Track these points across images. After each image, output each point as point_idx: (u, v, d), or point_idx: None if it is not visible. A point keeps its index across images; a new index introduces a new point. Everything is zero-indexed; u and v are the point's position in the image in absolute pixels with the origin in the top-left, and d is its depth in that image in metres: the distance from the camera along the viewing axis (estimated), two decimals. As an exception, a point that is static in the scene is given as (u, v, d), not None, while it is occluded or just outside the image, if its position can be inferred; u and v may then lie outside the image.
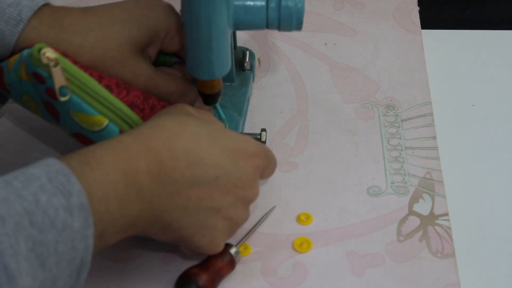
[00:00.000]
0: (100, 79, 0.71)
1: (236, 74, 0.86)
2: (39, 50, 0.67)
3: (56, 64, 0.67)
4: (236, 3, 0.72)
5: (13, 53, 0.72)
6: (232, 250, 0.71)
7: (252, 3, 0.73)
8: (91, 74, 0.70)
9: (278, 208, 0.78)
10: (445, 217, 0.77)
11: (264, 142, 0.81)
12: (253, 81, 0.89)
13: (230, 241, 0.73)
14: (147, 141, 0.62)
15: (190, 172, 0.63)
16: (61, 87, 0.67)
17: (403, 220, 0.77)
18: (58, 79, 0.67)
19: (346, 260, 0.74)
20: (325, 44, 0.95)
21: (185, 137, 0.64)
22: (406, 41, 0.95)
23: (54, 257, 0.54)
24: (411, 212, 0.78)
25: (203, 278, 0.69)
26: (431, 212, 0.78)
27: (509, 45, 0.96)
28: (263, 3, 0.73)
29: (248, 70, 0.88)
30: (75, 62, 0.71)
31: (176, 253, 0.74)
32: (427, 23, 0.98)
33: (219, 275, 0.70)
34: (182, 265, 0.72)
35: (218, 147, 0.65)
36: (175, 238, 0.67)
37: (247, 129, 0.85)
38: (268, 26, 0.74)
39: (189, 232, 0.66)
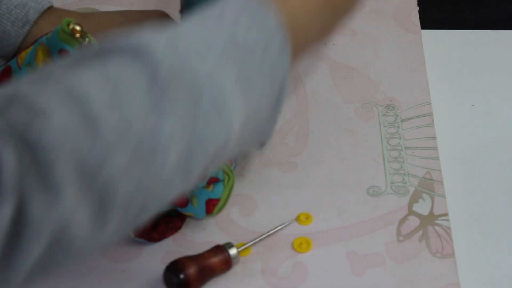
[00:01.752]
0: None
1: (236, 74, 0.86)
2: (68, 24, 0.66)
3: (85, 38, 0.66)
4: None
5: (16, 53, 0.72)
6: (232, 251, 0.71)
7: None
8: None
9: (278, 208, 0.78)
10: (445, 217, 0.77)
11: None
12: (253, 81, 0.89)
13: (231, 241, 0.73)
14: None
15: None
16: None
17: (403, 220, 0.77)
18: None
19: (346, 260, 0.74)
20: (325, 44, 0.95)
21: None
22: (406, 41, 0.95)
23: (260, 82, 0.53)
24: (411, 212, 0.78)
25: (190, 268, 0.69)
26: (431, 212, 0.78)
27: (509, 45, 0.96)
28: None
29: (248, 70, 0.88)
30: None
31: (176, 253, 0.74)
32: (427, 23, 0.98)
33: (210, 270, 0.70)
34: (182, 265, 0.72)
35: None
36: None
37: (247, 129, 0.85)
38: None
39: None
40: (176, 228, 0.75)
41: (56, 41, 0.67)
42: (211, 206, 0.74)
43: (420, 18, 0.98)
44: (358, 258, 0.74)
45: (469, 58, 0.95)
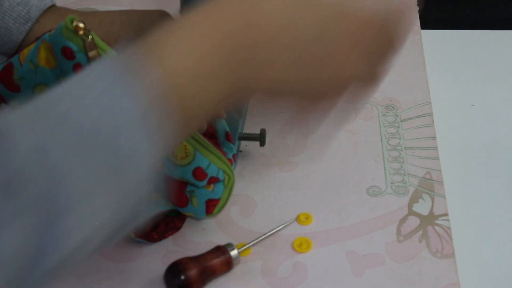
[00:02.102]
0: None
1: (236, 74, 0.86)
2: (72, 21, 0.66)
3: (88, 35, 0.65)
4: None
5: (17, 50, 0.73)
6: (232, 251, 0.71)
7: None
8: None
9: (278, 208, 0.78)
10: (445, 217, 0.77)
11: (264, 142, 0.81)
12: (253, 81, 0.89)
13: (231, 241, 0.73)
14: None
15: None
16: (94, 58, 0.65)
17: (403, 220, 0.77)
18: (92, 51, 0.64)
19: (346, 260, 0.74)
20: (325, 44, 0.95)
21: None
22: (406, 41, 0.95)
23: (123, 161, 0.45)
24: (411, 212, 0.78)
25: (191, 269, 0.69)
26: (431, 212, 0.78)
27: (509, 45, 0.96)
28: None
29: (248, 70, 0.87)
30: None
31: (176, 253, 0.74)
32: (427, 23, 0.98)
33: (211, 271, 0.70)
34: (182, 265, 0.72)
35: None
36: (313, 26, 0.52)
37: (247, 129, 0.85)
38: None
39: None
40: (176, 228, 0.75)
41: (59, 38, 0.67)
42: (211, 206, 0.74)
43: (420, 18, 0.98)
44: (358, 258, 0.74)
45: (469, 58, 0.95)
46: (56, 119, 0.44)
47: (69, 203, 0.44)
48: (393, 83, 0.90)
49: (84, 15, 0.75)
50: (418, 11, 0.99)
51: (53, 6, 0.75)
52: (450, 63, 0.94)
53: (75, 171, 0.44)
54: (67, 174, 0.44)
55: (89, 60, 0.65)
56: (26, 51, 0.71)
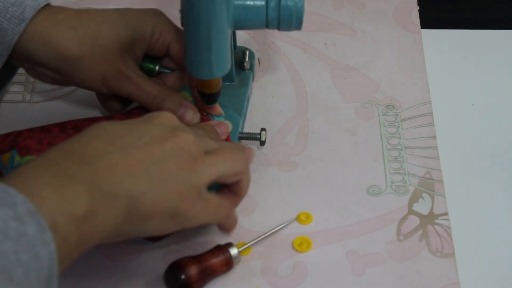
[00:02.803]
0: None
1: (235, 73, 0.86)
2: None
3: None
4: (236, 2, 0.72)
5: (13, 50, 0.73)
6: (232, 251, 0.71)
7: (252, 2, 0.73)
8: None
9: (278, 207, 0.78)
10: (445, 217, 0.77)
11: (264, 142, 0.81)
12: (253, 80, 0.89)
13: (231, 240, 0.73)
14: (59, 145, 0.60)
15: (109, 145, 0.59)
16: None
17: (403, 220, 0.77)
18: None
19: (346, 259, 0.74)
20: (325, 44, 0.95)
21: (91, 130, 0.61)
22: (406, 41, 0.95)
23: (19, 269, 0.50)
24: (411, 212, 0.78)
25: (192, 269, 0.69)
26: (431, 212, 0.78)
27: (509, 45, 0.96)
28: (263, 3, 0.73)
29: (248, 69, 0.88)
30: None
31: (176, 253, 0.74)
32: (427, 23, 0.98)
33: (211, 270, 0.70)
34: (182, 265, 0.72)
35: (125, 124, 0.63)
36: (160, 215, 0.61)
37: (247, 129, 0.85)
38: (268, 25, 0.74)
39: (159, 198, 0.60)
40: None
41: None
42: None
43: (420, 18, 0.98)
44: (358, 257, 0.74)
45: (469, 58, 0.95)
46: None
47: None
48: (393, 83, 0.90)
49: (77, 12, 0.76)
50: (418, 11, 0.99)
51: (47, 5, 0.75)
52: (450, 63, 0.94)
53: None
54: None
55: None
56: (5, 159, 0.72)
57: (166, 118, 0.65)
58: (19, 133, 0.75)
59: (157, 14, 0.78)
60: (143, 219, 0.60)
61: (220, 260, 0.71)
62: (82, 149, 0.59)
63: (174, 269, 0.69)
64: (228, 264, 0.71)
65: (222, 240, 0.74)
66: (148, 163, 0.60)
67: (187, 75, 0.79)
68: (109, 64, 0.76)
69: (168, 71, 0.81)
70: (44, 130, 0.75)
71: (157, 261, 0.73)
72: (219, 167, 0.65)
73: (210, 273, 0.70)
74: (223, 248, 0.72)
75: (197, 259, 0.70)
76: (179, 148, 0.62)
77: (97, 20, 0.75)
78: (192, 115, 0.76)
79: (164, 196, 0.60)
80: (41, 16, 0.73)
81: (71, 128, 0.76)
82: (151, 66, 0.80)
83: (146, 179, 0.59)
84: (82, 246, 0.57)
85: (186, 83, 0.81)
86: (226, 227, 0.69)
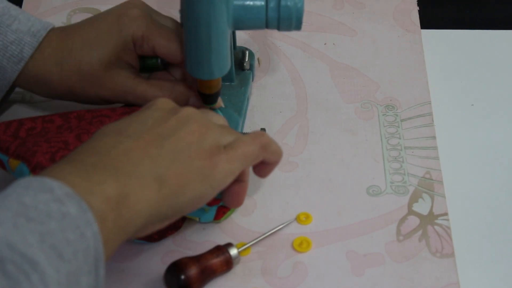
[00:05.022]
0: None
1: (235, 74, 0.86)
2: None
3: None
4: (236, 3, 0.72)
5: (12, 86, 0.74)
6: (232, 251, 0.71)
7: (251, 3, 0.73)
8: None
9: (278, 207, 0.78)
10: (445, 217, 0.77)
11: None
12: (252, 81, 0.89)
13: (231, 241, 0.73)
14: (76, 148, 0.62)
15: (119, 136, 0.61)
16: None
17: (403, 220, 0.77)
18: None
19: (346, 260, 0.74)
20: (325, 44, 0.95)
21: (102, 130, 0.63)
22: (406, 41, 0.95)
23: (68, 247, 0.51)
24: (411, 212, 0.78)
25: (191, 269, 0.69)
26: (431, 212, 0.78)
27: (509, 45, 0.96)
28: (263, 3, 0.73)
29: (248, 70, 0.88)
30: None
31: (176, 253, 0.74)
32: (427, 23, 0.98)
33: (211, 270, 0.70)
34: (182, 265, 0.72)
35: (131, 116, 0.64)
36: (191, 183, 0.62)
37: (246, 129, 0.85)
38: (267, 26, 0.74)
39: (182, 166, 0.62)
40: (176, 228, 0.75)
41: None
42: (221, 213, 0.75)
43: (420, 18, 0.98)
44: (358, 258, 0.74)
45: (469, 58, 0.95)
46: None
47: None
48: (393, 83, 0.90)
49: (60, 40, 0.75)
50: (418, 11, 0.99)
51: (46, 37, 0.75)
52: (450, 63, 0.94)
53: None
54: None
55: None
56: (13, 165, 0.72)
57: (163, 102, 0.66)
58: (20, 123, 0.74)
59: (135, 19, 0.76)
60: (176, 193, 0.61)
61: (220, 260, 0.71)
62: (95, 146, 0.60)
63: (174, 269, 0.69)
64: (228, 264, 0.71)
65: (222, 240, 0.74)
66: (159, 140, 0.61)
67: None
68: (101, 87, 0.75)
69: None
70: (47, 120, 0.75)
71: (157, 261, 0.73)
72: (227, 137, 0.65)
73: (210, 274, 0.70)
74: (223, 248, 0.72)
75: (197, 259, 0.70)
76: (184, 119, 0.63)
77: (77, 47, 0.75)
78: (198, 101, 0.78)
79: (186, 163, 0.62)
80: (43, 52, 0.74)
81: (74, 118, 0.76)
82: (153, 60, 0.79)
83: (163, 154, 0.61)
84: (123, 230, 0.57)
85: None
86: (270, 161, 0.68)
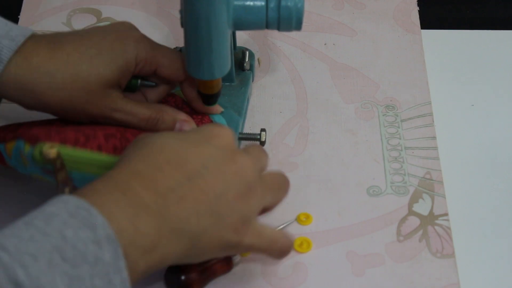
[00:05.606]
0: (98, 148, 0.72)
1: (235, 74, 0.86)
2: (40, 153, 0.67)
3: (58, 160, 0.67)
4: (236, 3, 0.72)
5: None
6: None
7: (251, 3, 0.73)
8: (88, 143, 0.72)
9: (278, 208, 0.78)
10: (445, 217, 0.77)
11: (264, 142, 0.81)
12: (252, 81, 0.89)
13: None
14: (130, 165, 0.62)
15: (179, 173, 0.62)
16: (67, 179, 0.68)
17: (403, 220, 0.77)
18: (61, 176, 0.68)
19: (346, 260, 0.74)
20: (325, 44, 0.95)
21: (156, 149, 0.63)
22: (406, 41, 0.95)
23: None
24: (411, 212, 0.78)
25: (192, 271, 0.69)
26: (431, 212, 0.78)
27: (509, 45, 0.96)
28: (263, 3, 0.73)
29: (248, 70, 0.88)
30: (75, 141, 0.71)
31: (176, 253, 0.74)
32: (427, 23, 0.98)
33: (211, 271, 0.70)
34: (182, 265, 0.72)
35: (190, 142, 0.64)
36: (214, 249, 0.64)
37: (246, 129, 0.85)
38: (267, 26, 0.74)
39: (217, 233, 0.63)
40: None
41: (34, 163, 0.69)
42: None
43: (420, 18, 0.98)
44: (358, 258, 0.74)
45: (469, 58, 0.95)
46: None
47: None
48: (393, 83, 0.90)
49: (51, 51, 0.72)
50: (418, 11, 0.99)
51: (26, 42, 0.73)
52: (450, 63, 0.94)
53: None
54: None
55: (58, 183, 0.67)
56: (10, 147, 0.72)
57: (225, 137, 0.66)
58: (19, 124, 0.74)
59: (138, 41, 0.75)
60: (199, 254, 0.63)
61: (220, 261, 0.71)
62: (155, 176, 0.61)
63: (174, 270, 0.69)
64: (228, 265, 0.71)
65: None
66: (211, 197, 0.62)
67: (180, 76, 0.78)
68: (92, 105, 0.73)
69: (150, 83, 0.79)
70: (45, 123, 0.75)
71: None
72: (267, 199, 0.67)
73: (210, 274, 0.70)
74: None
75: None
76: (238, 176, 0.64)
77: (74, 61, 0.72)
78: (189, 127, 0.77)
79: (221, 231, 0.63)
80: (14, 61, 0.71)
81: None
82: (133, 81, 0.77)
83: (208, 215, 0.62)
84: (142, 275, 0.59)
85: (164, 96, 0.80)
86: (275, 253, 0.69)
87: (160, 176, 0.61)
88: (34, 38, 0.73)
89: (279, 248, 0.68)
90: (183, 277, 0.69)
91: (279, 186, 0.69)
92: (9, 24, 0.73)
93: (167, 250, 0.59)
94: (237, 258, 0.72)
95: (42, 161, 0.68)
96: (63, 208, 0.54)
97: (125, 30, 0.75)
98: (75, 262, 0.52)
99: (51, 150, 0.67)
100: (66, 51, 0.73)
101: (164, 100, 0.80)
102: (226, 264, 0.71)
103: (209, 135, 0.66)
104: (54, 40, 0.73)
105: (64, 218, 0.53)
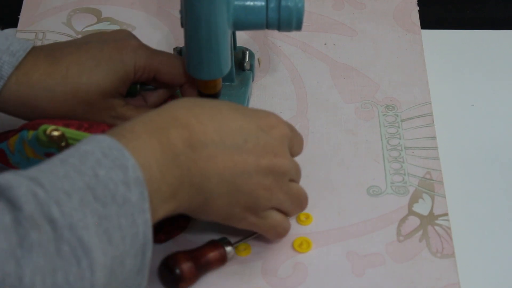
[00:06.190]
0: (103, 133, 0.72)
1: (236, 74, 0.86)
2: (44, 132, 0.67)
3: (62, 140, 0.68)
4: (236, 3, 0.72)
5: None
6: (226, 245, 0.72)
7: (252, 3, 0.73)
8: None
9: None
10: (445, 217, 0.77)
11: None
12: (253, 81, 0.89)
13: (228, 237, 0.73)
14: (172, 110, 0.64)
15: (219, 137, 0.63)
16: None
17: (403, 220, 0.77)
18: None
19: (346, 260, 0.74)
20: (325, 44, 0.95)
21: (207, 106, 0.65)
22: (406, 41, 0.95)
23: (118, 232, 0.54)
24: (411, 212, 0.78)
25: (186, 264, 0.69)
26: (431, 212, 0.78)
27: (509, 45, 0.96)
28: (263, 3, 0.73)
29: (248, 70, 0.88)
30: (79, 126, 0.73)
31: (170, 248, 0.74)
32: (427, 23, 0.98)
33: (205, 265, 0.70)
34: (182, 265, 0.72)
35: (241, 115, 0.66)
36: (220, 215, 0.67)
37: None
38: (268, 26, 0.74)
39: (228, 203, 0.66)
40: (182, 228, 0.75)
41: (38, 146, 0.70)
42: None
43: (420, 18, 0.98)
44: (358, 258, 0.74)
45: (469, 58, 0.95)
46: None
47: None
48: (393, 83, 0.90)
49: (50, 65, 0.73)
50: (418, 11, 0.99)
51: (26, 57, 0.73)
52: (450, 63, 0.94)
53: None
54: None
55: None
56: (12, 142, 0.72)
57: (281, 131, 0.68)
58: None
59: (136, 49, 0.75)
60: (205, 213, 0.66)
61: (214, 254, 0.71)
62: (193, 127, 0.63)
63: (168, 264, 0.70)
64: (223, 258, 0.71)
65: (216, 235, 0.74)
66: (238, 170, 0.64)
67: (177, 77, 0.78)
68: (93, 114, 0.74)
69: (150, 87, 0.79)
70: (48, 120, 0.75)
71: (157, 261, 0.73)
72: (284, 205, 0.70)
73: (204, 267, 0.71)
74: (217, 243, 0.72)
75: (191, 253, 0.70)
76: (269, 171, 0.66)
77: (73, 74, 0.73)
78: None
79: (233, 204, 0.66)
80: (15, 77, 0.71)
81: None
82: (133, 86, 0.78)
83: (228, 184, 0.64)
84: (159, 219, 0.62)
85: (165, 100, 0.80)
86: (273, 236, 0.72)
87: (198, 129, 0.63)
88: (34, 52, 0.73)
89: (278, 232, 0.71)
90: (177, 271, 0.69)
91: (300, 201, 0.71)
92: (10, 38, 0.73)
93: (182, 201, 0.62)
94: (231, 252, 0.72)
95: (47, 142, 0.67)
96: (97, 148, 0.56)
97: (123, 39, 0.75)
98: (105, 201, 0.54)
99: (55, 131, 0.67)
100: (65, 64, 0.73)
101: (165, 103, 0.80)
102: (220, 257, 0.71)
103: (265, 123, 0.68)
104: (52, 53, 0.74)
105: (98, 157, 0.56)
